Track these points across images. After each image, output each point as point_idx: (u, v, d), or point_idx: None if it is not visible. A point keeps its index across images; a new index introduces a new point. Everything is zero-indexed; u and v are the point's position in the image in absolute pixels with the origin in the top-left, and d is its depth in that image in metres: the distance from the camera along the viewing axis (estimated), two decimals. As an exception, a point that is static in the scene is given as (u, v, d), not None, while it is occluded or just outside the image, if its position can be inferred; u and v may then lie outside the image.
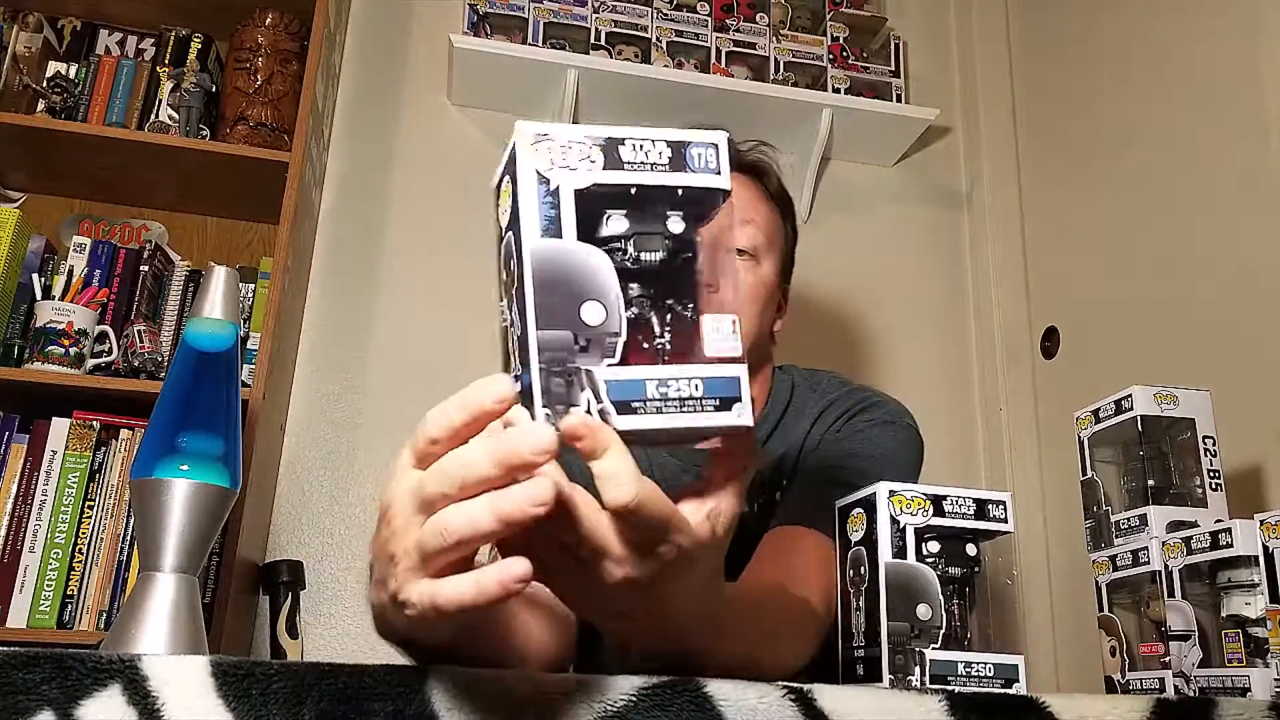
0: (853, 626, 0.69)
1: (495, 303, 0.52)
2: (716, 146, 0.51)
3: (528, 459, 0.43)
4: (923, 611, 0.66)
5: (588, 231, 0.48)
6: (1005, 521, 0.69)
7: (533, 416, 0.46)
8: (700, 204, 0.50)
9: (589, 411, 0.47)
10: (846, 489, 0.93)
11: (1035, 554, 1.90)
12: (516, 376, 0.48)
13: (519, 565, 0.42)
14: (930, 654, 0.65)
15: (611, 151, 0.49)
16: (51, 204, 1.89)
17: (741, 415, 0.49)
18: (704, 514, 0.51)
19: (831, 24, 2.14)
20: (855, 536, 0.70)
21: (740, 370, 0.50)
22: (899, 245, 2.20)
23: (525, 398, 0.47)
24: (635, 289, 0.49)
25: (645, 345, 0.48)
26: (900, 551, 0.67)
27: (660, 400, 0.48)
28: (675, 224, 0.50)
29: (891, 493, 0.68)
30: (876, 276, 2.17)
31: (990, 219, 2.18)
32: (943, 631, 0.65)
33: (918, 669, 0.65)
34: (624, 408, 0.47)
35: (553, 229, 0.48)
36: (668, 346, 0.49)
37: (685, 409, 0.48)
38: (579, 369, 0.47)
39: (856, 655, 0.68)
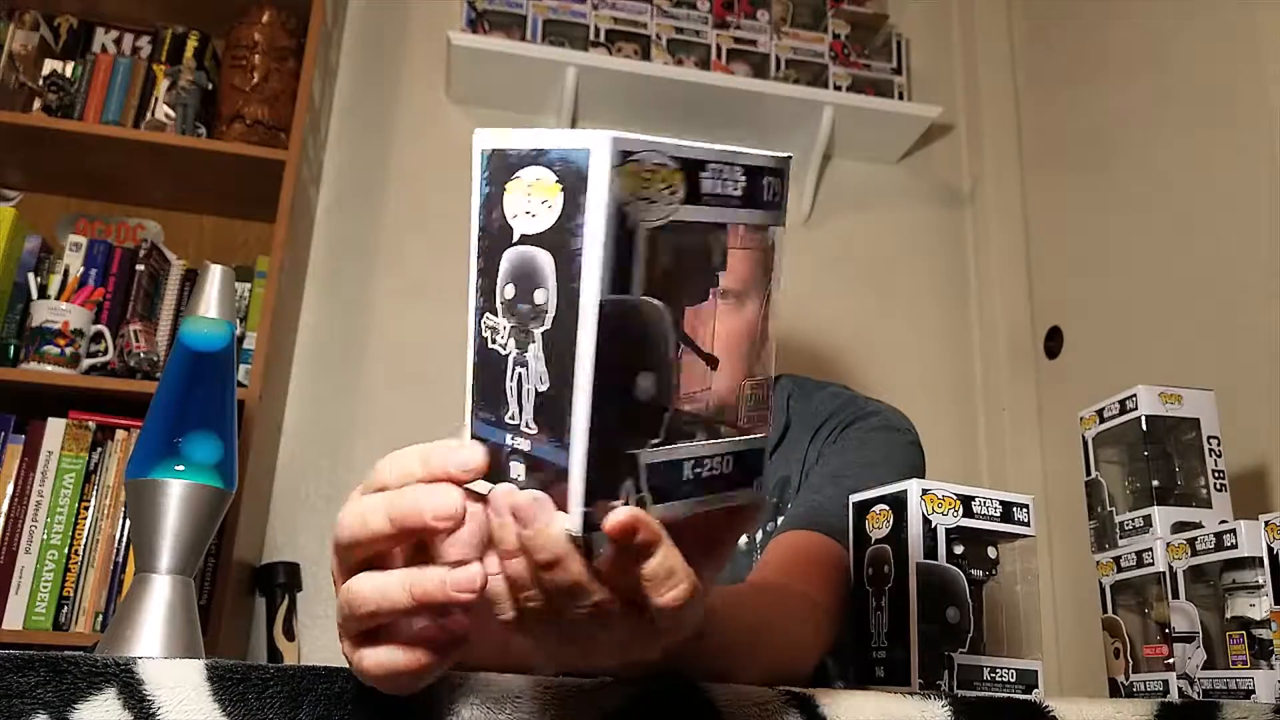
0: (872, 627, 0.68)
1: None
2: (784, 174, 0.43)
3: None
4: (951, 614, 0.65)
5: (652, 273, 0.40)
6: (1028, 525, 0.69)
7: (563, 507, 0.39)
8: (765, 247, 0.43)
9: (626, 503, 0.39)
10: (848, 493, 0.92)
11: (1039, 555, 1.89)
12: (515, 430, 0.41)
13: (456, 624, 0.42)
14: (959, 658, 0.64)
15: (693, 180, 0.40)
16: (47, 203, 1.88)
17: (761, 487, 0.44)
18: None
19: (833, 21, 2.13)
20: (877, 534, 0.69)
21: (765, 438, 0.43)
22: (901, 244, 2.20)
23: (534, 471, 0.40)
24: (694, 342, 0.41)
25: (687, 417, 0.41)
26: (931, 552, 0.65)
27: (694, 483, 0.41)
28: (718, 258, 0.42)
29: (924, 491, 0.66)
30: (878, 275, 2.16)
31: (993, 217, 2.17)
32: (970, 635, 0.64)
33: (946, 673, 0.64)
34: (661, 495, 0.40)
35: (622, 279, 0.38)
36: (712, 416, 0.42)
37: (713, 489, 0.42)
38: (625, 455, 0.39)
39: (878, 657, 0.67)
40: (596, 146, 0.38)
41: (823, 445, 1.07)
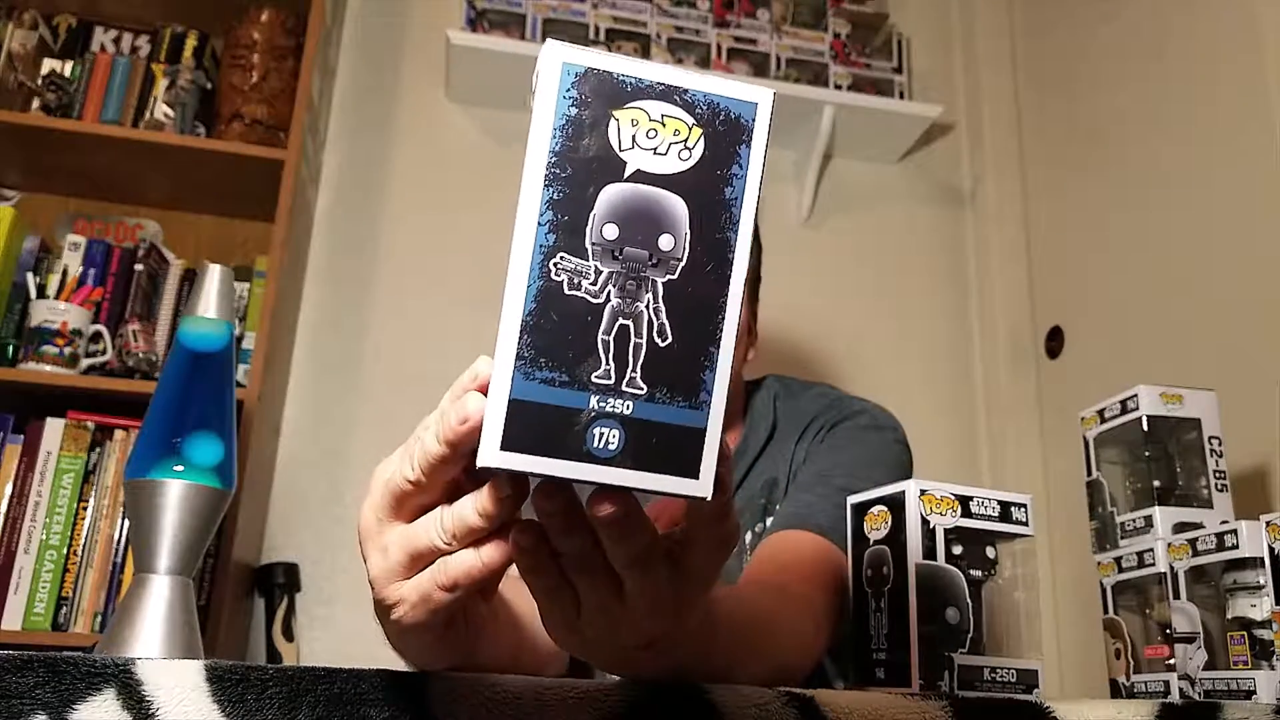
0: (871, 629, 0.67)
1: (499, 283, 0.36)
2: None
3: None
4: (951, 615, 0.64)
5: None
6: (1026, 524, 0.68)
7: (688, 472, 0.37)
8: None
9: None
10: (838, 492, 0.92)
11: (1039, 555, 1.89)
12: (609, 391, 0.36)
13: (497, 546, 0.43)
14: (959, 658, 0.64)
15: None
16: (46, 202, 1.88)
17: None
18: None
19: (833, 20, 2.13)
20: (876, 535, 0.69)
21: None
22: (902, 243, 2.19)
23: (641, 436, 0.36)
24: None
25: None
26: (930, 552, 0.65)
27: None
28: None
29: (922, 492, 0.66)
30: (879, 275, 2.16)
31: (994, 217, 2.17)
32: (969, 635, 0.64)
33: (946, 673, 0.64)
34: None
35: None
36: None
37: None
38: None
39: (878, 659, 0.67)
40: (764, 101, 0.37)
41: (810, 445, 1.07)
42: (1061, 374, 1.97)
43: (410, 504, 0.44)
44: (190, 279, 1.79)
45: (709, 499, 0.36)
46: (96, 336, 1.66)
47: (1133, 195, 1.80)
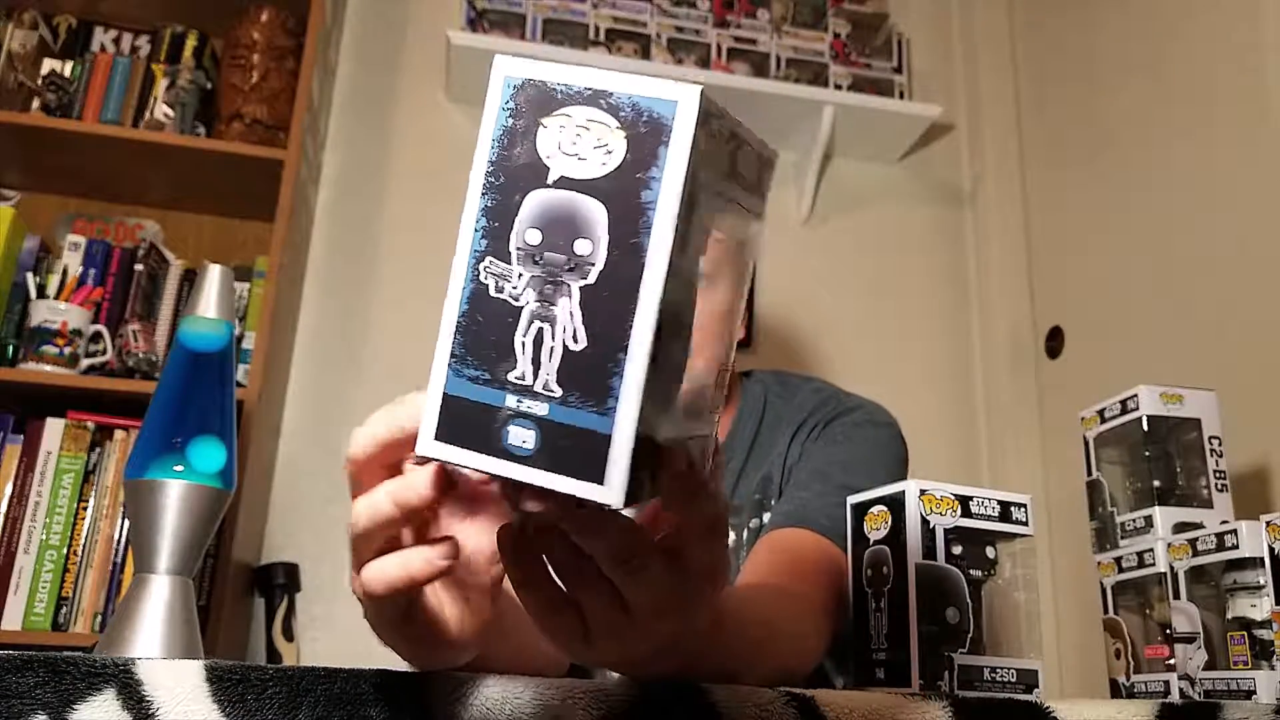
0: (871, 629, 0.67)
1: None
2: (773, 165, 0.42)
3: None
4: (951, 615, 0.64)
5: (696, 240, 0.39)
6: (1026, 524, 0.68)
7: (595, 478, 0.36)
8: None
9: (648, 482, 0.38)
10: (836, 490, 0.91)
11: (1039, 555, 1.90)
12: (525, 390, 0.37)
13: (445, 545, 0.44)
14: (958, 658, 0.64)
15: (735, 154, 0.40)
16: (46, 202, 1.87)
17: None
18: None
19: (833, 20, 2.13)
20: (876, 535, 0.68)
21: (714, 427, 0.42)
22: (902, 243, 2.19)
23: (554, 438, 0.36)
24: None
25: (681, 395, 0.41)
26: (930, 552, 0.65)
27: None
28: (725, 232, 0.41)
29: (922, 492, 0.66)
30: (879, 275, 2.16)
31: (994, 217, 2.17)
32: (969, 635, 0.64)
33: (947, 673, 0.64)
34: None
35: (678, 244, 0.36)
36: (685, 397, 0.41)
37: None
38: (655, 427, 0.38)
39: (877, 659, 0.67)
40: (687, 100, 0.36)
41: (805, 442, 1.05)
42: (1061, 374, 1.97)
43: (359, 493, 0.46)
44: (190, 279, 1.79)
45: (617, 506, 0.36)
46: (96, 336, 1.66)
47: (1133, 195, 1.80)
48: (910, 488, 0.66)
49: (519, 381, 0.37)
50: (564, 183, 0.37)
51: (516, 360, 0.37)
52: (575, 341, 0.36)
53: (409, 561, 0.44)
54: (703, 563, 0.44)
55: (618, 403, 0.35)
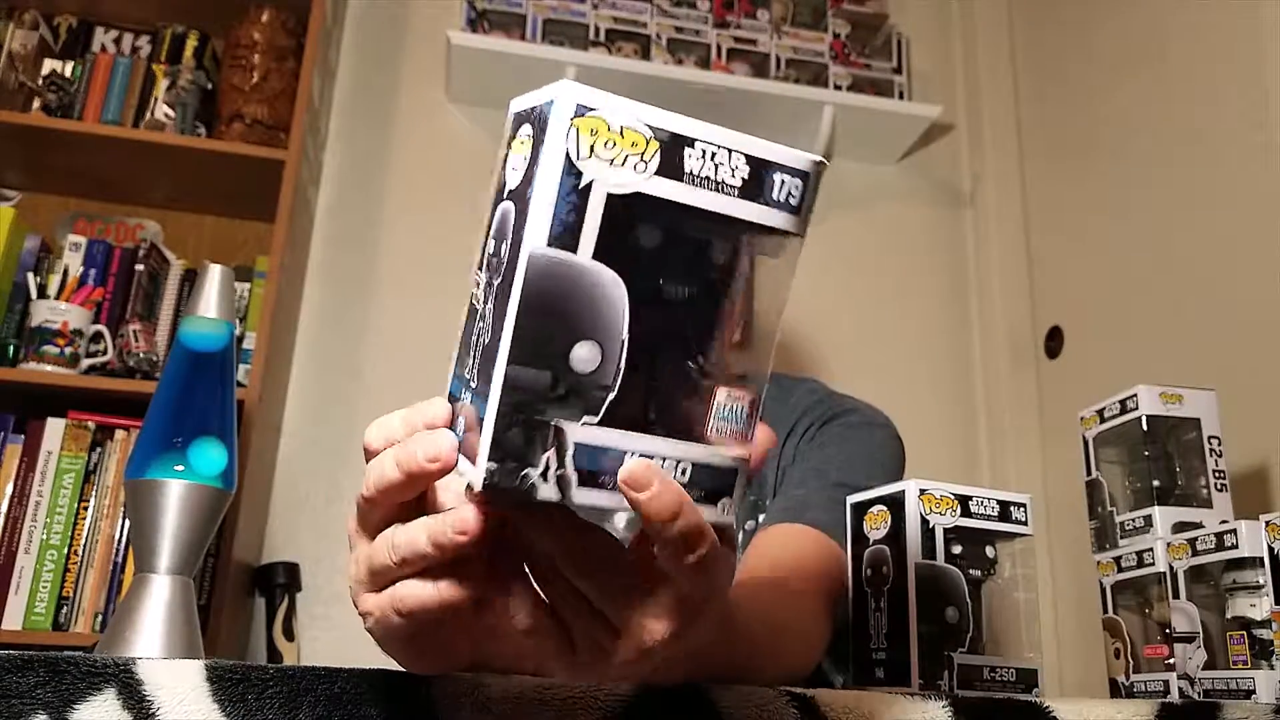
0: (870, 628, 0.67)
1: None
2: (807, 177, 0.40)
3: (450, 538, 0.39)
4: (950, 614, 0.64)
5: (610, 241, 0.38)
6: (1025, 524, 0.68)
7: (473, 461, 0.38)
8: (759, 237, 0.40)
9: (545, 476, 0.38)
10: (834, 488, 0.91)
11: (1038, 555, 1.90)
12: (466, 383, 0.40)
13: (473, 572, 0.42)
14: (958, 658, 0.64)
15: (672, 154, 0.38)
16: (47, 202, 1.88)
17: (725, 511, 0.40)
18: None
19: (833, 20, 2.13)
20: (875, 535, 0.68)
21: (743, 461, 0.41)
22: (901, 243, 2.20)
23: (470, 426, 0.39)
24: (647, 327, 0.39)
25: (636, 405, 0.39)
26: (929, 552, 0.65)
27: None
28: (720, 253, 0.40)
29: (922, 491, 0.66)
30: (878, 275, 2.16)
31: (993, 217, 2.17)
32: (969, 635, 0.64)
33: (946, 673, 0.64)
34: (590, 479, 0.38)
35: (567, 237, 0.37)
36: (664, 413, 0.39)
37: None
38: (547, 422, 0.38)
39: (877, 658, 0.67)
40: (560, 96, 0.37)
41: (800, 444, 1.05)
42: (1061, 374, 1.97)
43: (369, 519, 0.44)
44: (191, 279, 1.79)
45: (476, 489, 0.37)
46: (97, 336, 1.66)
47: (1133, 195, 1.80)
48: (910, 487, 0.66)
49: (465, 376, 0.41)
50: (507, 194, 0.40)
51: (467, 357, 0.41)
52: (488, 335, 0.39)
53: (442, 589, 0.42)
54: (683, 590, 0.41)
55: (489, 387, 0.37)
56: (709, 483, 0.40)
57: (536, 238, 0.37)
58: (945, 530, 0.65)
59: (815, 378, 1.18)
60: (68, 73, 1.83)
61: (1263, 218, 1.51)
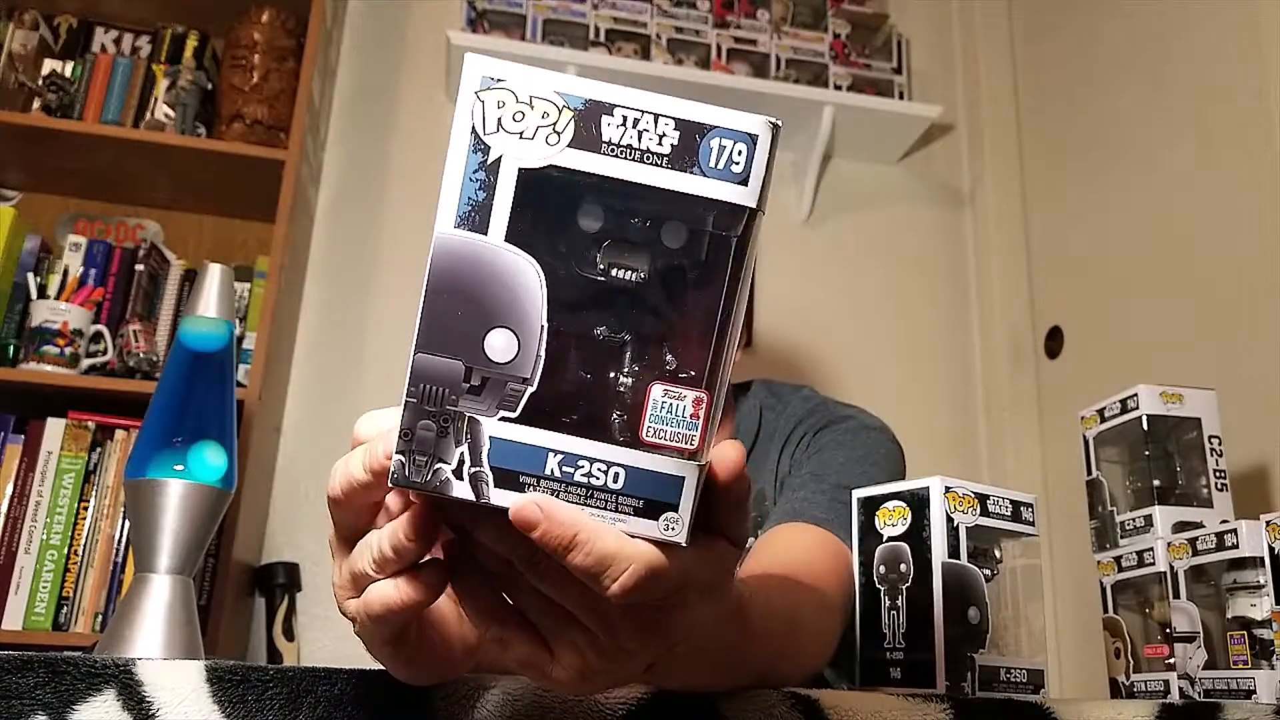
0: (884, 626, 0.66)
1: None
2: (752, 140, 0.35)
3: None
4: (972, 615, 0.64)
5: (546, 223, 0.35)
6: (1032, 524, 0.68)
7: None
8: (716, 215, 0.35)
9: (459, 473, 0.35)
10: (834, 489, 0.90)
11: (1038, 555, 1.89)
12: None
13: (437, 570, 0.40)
14: (979, 659, 0.63)
15: (588, 123, 0.35)
16: (47, 202, 1.88)
17: (671, 529, 0.36)
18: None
19: (833, 20, 2.13)
20: (891, 531, 0.67)
21: (689, 470, 0.36)
22: (901, 244, 2.19)
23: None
24: (570, 316, 0.35)
25: (560, 401, 0.35)
26: (953, 551, 0.64)
27: (559, 483, 0.36)
28: (673, 235, 0.35)
29: (947, 489, 0.65)
30: (879, 275, 2.16)
31: (993, 217, 2.17)
32: (989, 635, 0.64)
33: (970, 674, 0.63)
34: (508, 479, 0.36)
35: (476, 217, 0.35)
36: (592, 410, 0.35)
37: (591, 502, 0.36)
38: (462, 414, 0.35)
39: (892, 658, 0.66)
40: (466, 69, 0.35)
41: (795, 453, 1.04)
42: (1061, 374, 1.97)
43: (343, 524, 0.43)
44: (191, 279, 1.79)
45: (390, 484, 0.37)
46: (97, 336, 1.66)
47: (1133, 195, 1.80)
48: (935, 484, 0.65)
49: None
50: None
51: None
52: None
53: (402, 587, 0.41)
54: (614, 619, 0.38)
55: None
56: (646, 491, 0.36)
57: (444, 220, 0.35)
58: (967, 529, 0.65)
59: (810, 385, 1.16)
60: (68, 73, 1.83)
61: (1263, 217, 1.51)
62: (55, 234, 1.82)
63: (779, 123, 0.36)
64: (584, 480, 0.35)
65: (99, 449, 1.61)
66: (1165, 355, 1.66)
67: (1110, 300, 1.84)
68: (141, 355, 1.63)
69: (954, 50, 2.33)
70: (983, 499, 0.66)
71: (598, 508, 0.36)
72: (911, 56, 2.24)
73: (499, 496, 0.36)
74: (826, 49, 2.11)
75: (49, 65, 1.83)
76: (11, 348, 1.64)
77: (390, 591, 0.40)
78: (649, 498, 0.36)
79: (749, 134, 0.35)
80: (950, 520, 0.64)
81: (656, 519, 0.36)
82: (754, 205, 0.35)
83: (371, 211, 2.01)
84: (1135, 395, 0.99)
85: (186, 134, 1.78)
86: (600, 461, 0.35)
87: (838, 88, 2.07)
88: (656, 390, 0.35)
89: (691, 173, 0.35)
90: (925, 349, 2.14)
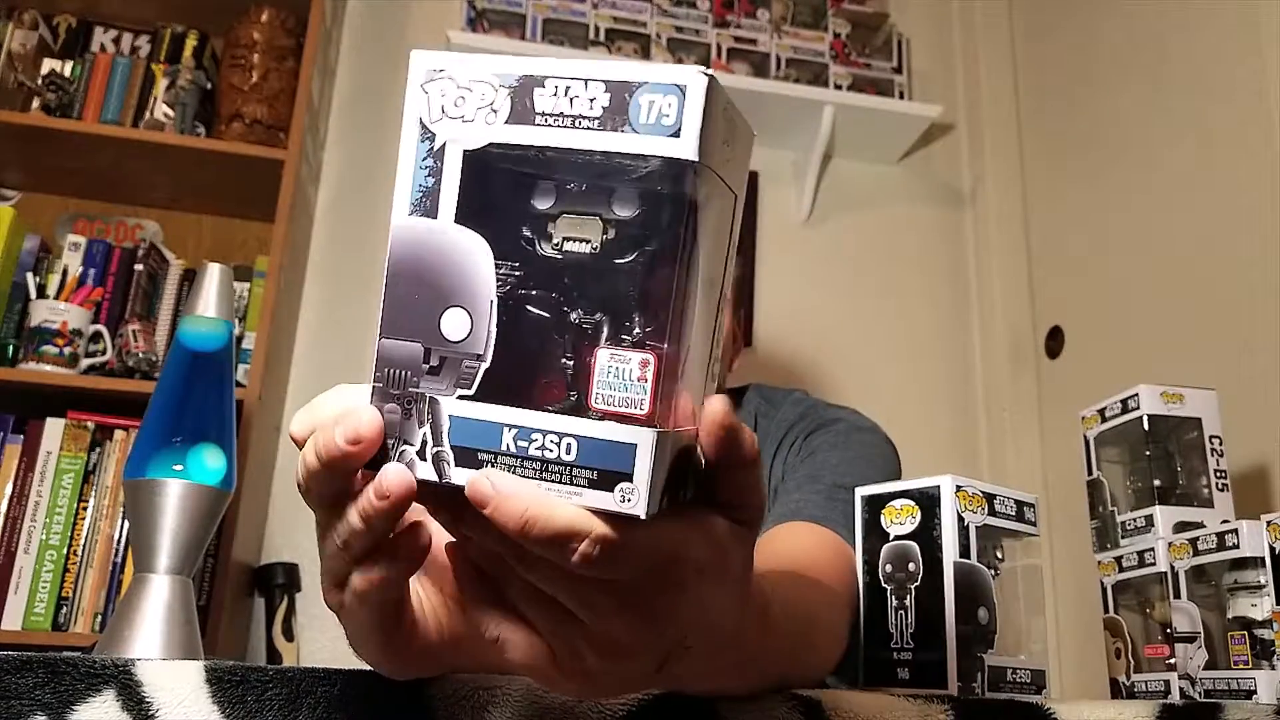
0: (891, 626, 0.66)
1: None
2: (681, 90, 0.34)
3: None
4: (982, 615, 0.64)
5: (494, 201, 0.36)
6: (1034, 524, 0.68)
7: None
8: (658, 174, 0.34)
9: (422, 454, 0.36)
10: (830, 489, 0.90)
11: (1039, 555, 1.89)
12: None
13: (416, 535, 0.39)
14: (988, 659, 0.63)
15: (522, 98, 0.35)
16: (46, 202, 1.87)
17: (627, 500, 0.34)
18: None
19: (833, 20, 2.13)
20: (898, 530, 0.67)
21: (641, 436, 0.34)
22: (902, 243, 2.19)
23: None
24: (517, 288, 0.35)
25: (511, 375, 0.35)
26: (964, 550, 0.64)
27: (515, 458, 0.35)
28: (623, 205, 0.35)
29: (958, 488, 0.65)
30: (879, 275, 2.16)
31: (994, 217, 2.17)
32: (995, 636, 0.63)
33: (980, 674, 0.63)
34: (467, 458, 0.36)
35: (427, 203, 0.37)
36: (540, 381, 0.35)
37: (547, 476, 0.35)
38: (422, 395, 0.36)
39: (900, 659, 0.65)
40: (412, 65, 0.37)
41: (788, 458, 1.03)
42: (1061, 374, 1.97)
43: (319, 515, 0.41)
44: (190, 279, 1.79)
45: (369, 472, 0.37)
46: (96, 336, 1.66)
47: (1133, 195, 1.80)
48: (946, 482, 0.65)
49: None
50: None
51: None
52: None
53: (382, 566, 0.39)
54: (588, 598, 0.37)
55: None
56: (599, 461, 0.34)
57: (399, 209, 0.37)
58: (977, 528, 0.65)
59: (802, 388, 1.16)
60: (67, 72, 1.83)
61: (1263, 217, 1.51)
62: (54, 234, 1.82)
63: (711, 73, 0.35)
64: (538, 454, 0.35)
65: (98, 449, 1.60)
66: (1165, 355, 1.66)
67: (1110, 300, 1.83)
68: (141, 355, 1.63)
69: (954, 50, 2.33)
70: (990, 498, 0.66)
71: (553, 481, 0.35)
72: (912, 56, 2.24)
73: (459, 475, 0.36)
74: (826, 48, 2.11)
75: (48, 65, 1.83)
76: (11, 347, 1.64)
77: (370, 572, 0.39)
78: (602, 468, 0.34)
79: (677, 85, 0.34)
80: (961, 520, 0.64)
81: (611, 490, 0.34)
82: (692, 157, 0.34)
83: (371, 211, 2.01)
84: (1136, 395, 0.98)
85: (186, 133, 1.78)
86: (553, 433, 0.35)
87: (838, 87, 2.07)
88: (602, 355, 0.35)
89: (623, 131, 0.34)
90: (925, 349, 2.14)
